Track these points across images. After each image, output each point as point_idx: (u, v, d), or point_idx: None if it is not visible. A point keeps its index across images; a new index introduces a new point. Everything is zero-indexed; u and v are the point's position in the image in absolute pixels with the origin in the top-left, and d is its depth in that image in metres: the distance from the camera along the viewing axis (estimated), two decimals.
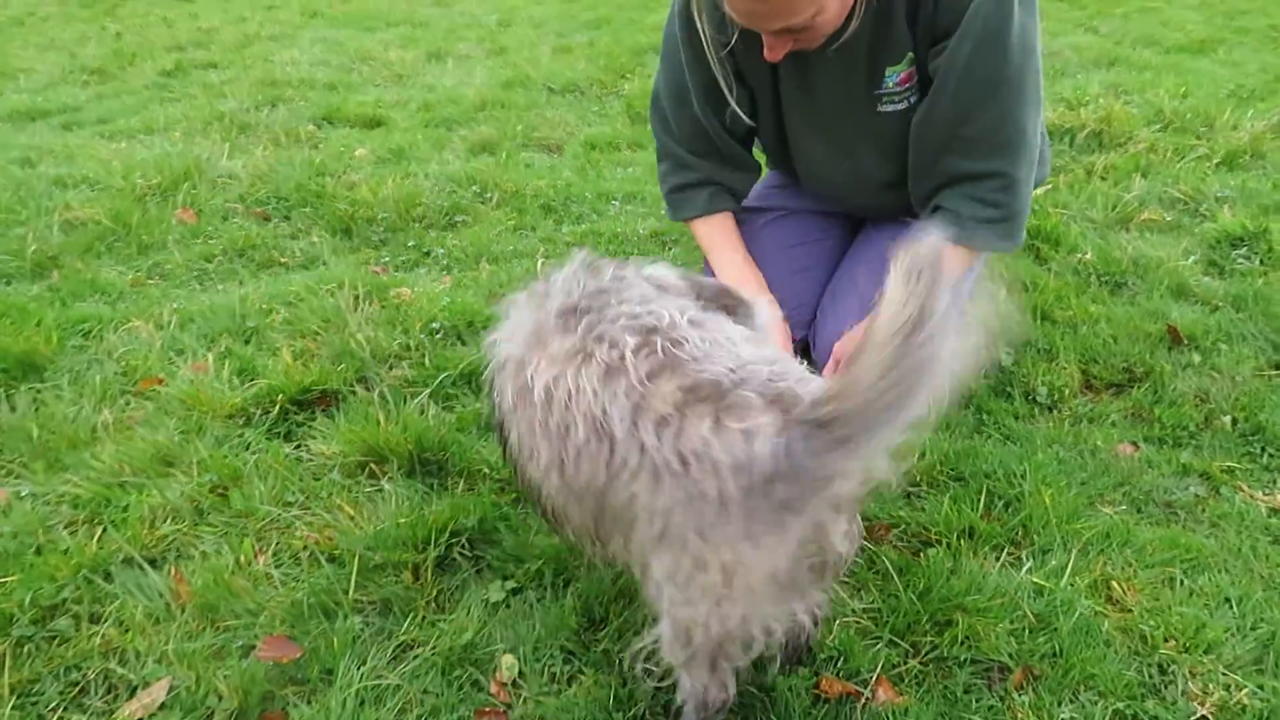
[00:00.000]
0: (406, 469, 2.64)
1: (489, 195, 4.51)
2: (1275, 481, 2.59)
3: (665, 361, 1.48)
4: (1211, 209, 4.07)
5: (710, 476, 1.38)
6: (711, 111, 2.64)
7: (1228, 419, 2.80)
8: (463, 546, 2.37)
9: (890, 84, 2.51)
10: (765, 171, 3.08)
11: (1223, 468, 2.63)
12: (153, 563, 2.34)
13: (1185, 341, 3.15)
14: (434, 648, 2.11)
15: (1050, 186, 4.33)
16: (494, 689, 2.03)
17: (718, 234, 2.77)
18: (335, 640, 2.10)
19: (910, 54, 2.46)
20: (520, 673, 2.06)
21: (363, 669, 2.04)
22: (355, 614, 2.20)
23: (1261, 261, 3.62)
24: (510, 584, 2.28)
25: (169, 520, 2.46)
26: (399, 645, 2.13)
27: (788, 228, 3.00)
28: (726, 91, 2.56)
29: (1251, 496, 2.53)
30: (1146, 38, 7.60)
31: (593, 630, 2.13)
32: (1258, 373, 3.00)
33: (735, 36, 2.45)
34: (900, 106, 2.55)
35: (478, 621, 2.18)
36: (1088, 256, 3.69)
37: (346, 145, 5.36)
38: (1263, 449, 2.70)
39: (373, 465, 2.64)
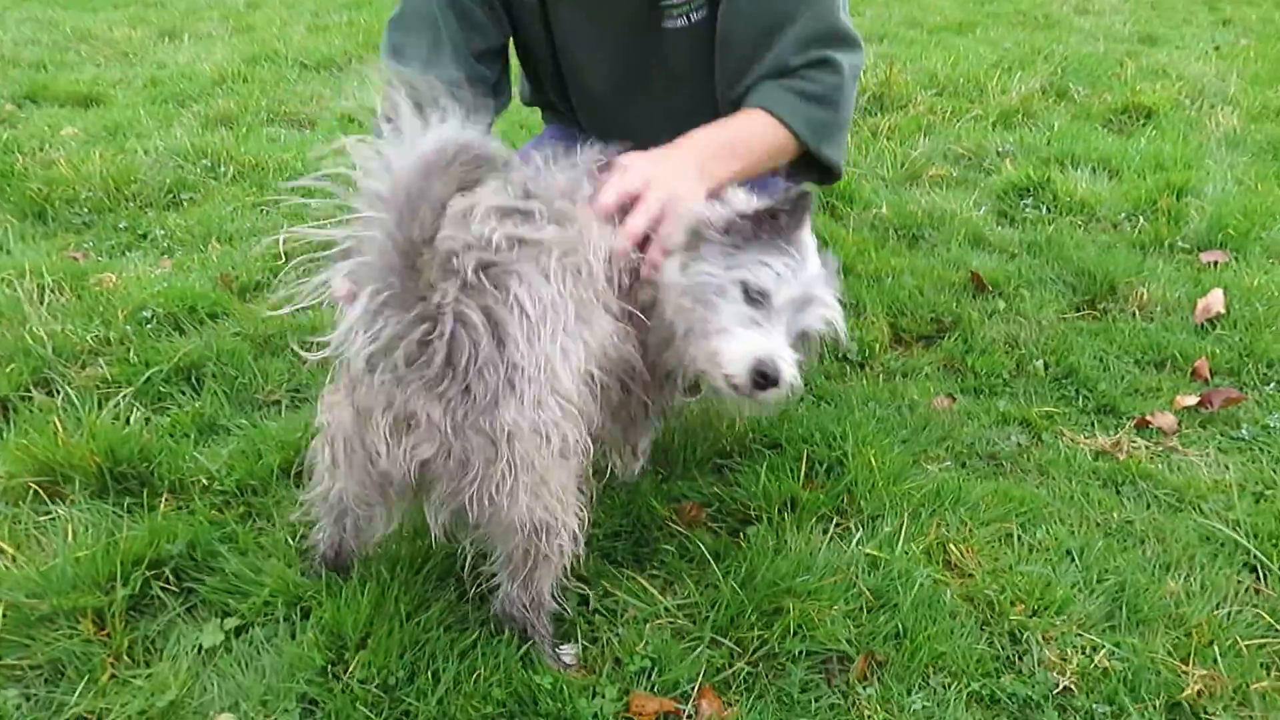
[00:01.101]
0: (95, 488, 2.05)
1: (223, 170, 3.87)
2: (1094, 424, 2.44)
3: None
4: (995, 163, 4.03)
5: None
6: (459, 28, 2.17)
7: (1039, 363, 2.64)
8: (167, 580, 1.83)
9: None
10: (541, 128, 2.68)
11: (1041, 413, 2.45)
12: None
13: (989, 288, 3.00)
14: (122, 716, 1.57)
15: None
16: None
17: None
18: None
19: None
20: None
21: None
22: (10, 685, 1.63)
23: (1048, 209, 3.57)
24: (232, 621, 1.77)
25: None
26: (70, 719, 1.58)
27: None
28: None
29: (1074, 441, 2.36)
30: (909, 20, 7.77)
31: (343, 664, 1.65)
32: (1061, 316, 2.89)
33: None
34: (681, 23, 2.21)
35: (186, 675, 1.66)
36: (883, 211, 3.53)
37: (52, 124, 4.54)
38: (1077, 392, 2.56)
39: (42, 487, 2.03)
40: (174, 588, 1.82)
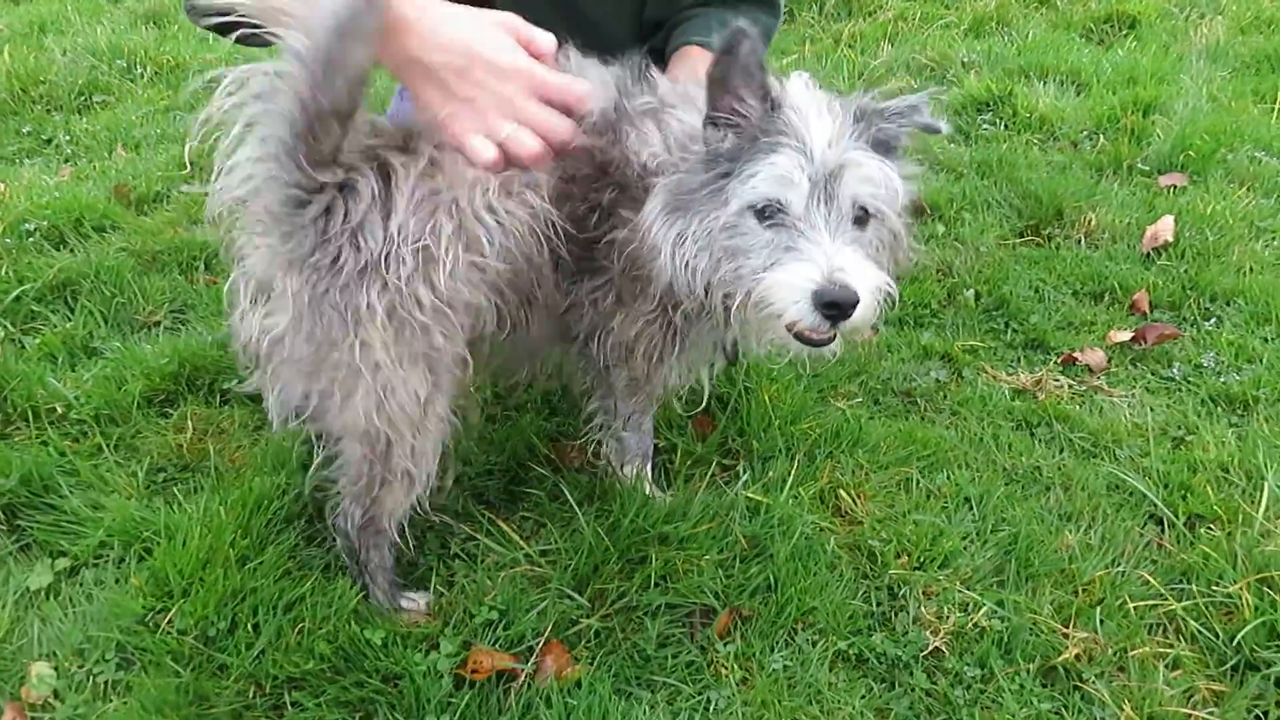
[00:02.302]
0: None
1: (139, 71, 3.66)
2: (1019, 360, 2.31)
3: None
4: (959, 75, 3.79)
5: None
6: None
7: (971, 293, 2.49)
8: None
9: None
10: None
11: (965, 347, 2.31)
12: None
13: (929, 212, 2.83)
14: None
15: (796, 55, 3.94)
16: (9, 717, 1.43)
17: None
18: None
19: None
20: (55, 690, 1.48)
21: None
22: None
23: (1006, 126, 3.37)
24: (63, 563, 1.67)
25: None
26: None
27: None
28: None
29: (995, 378, 2.23)
30: None
31: (164, 611, 1.55)
32: (1001, 242, 2.72)
33: None
34: None
35: (7, 621, 1.56)
36: None
37: None
38: (1006, 324, 2.41)
39: None
40: (4, 525, 1.72)
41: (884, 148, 1.40)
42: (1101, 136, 3.26)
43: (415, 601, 1.63)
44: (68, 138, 3.20)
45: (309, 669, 1.46)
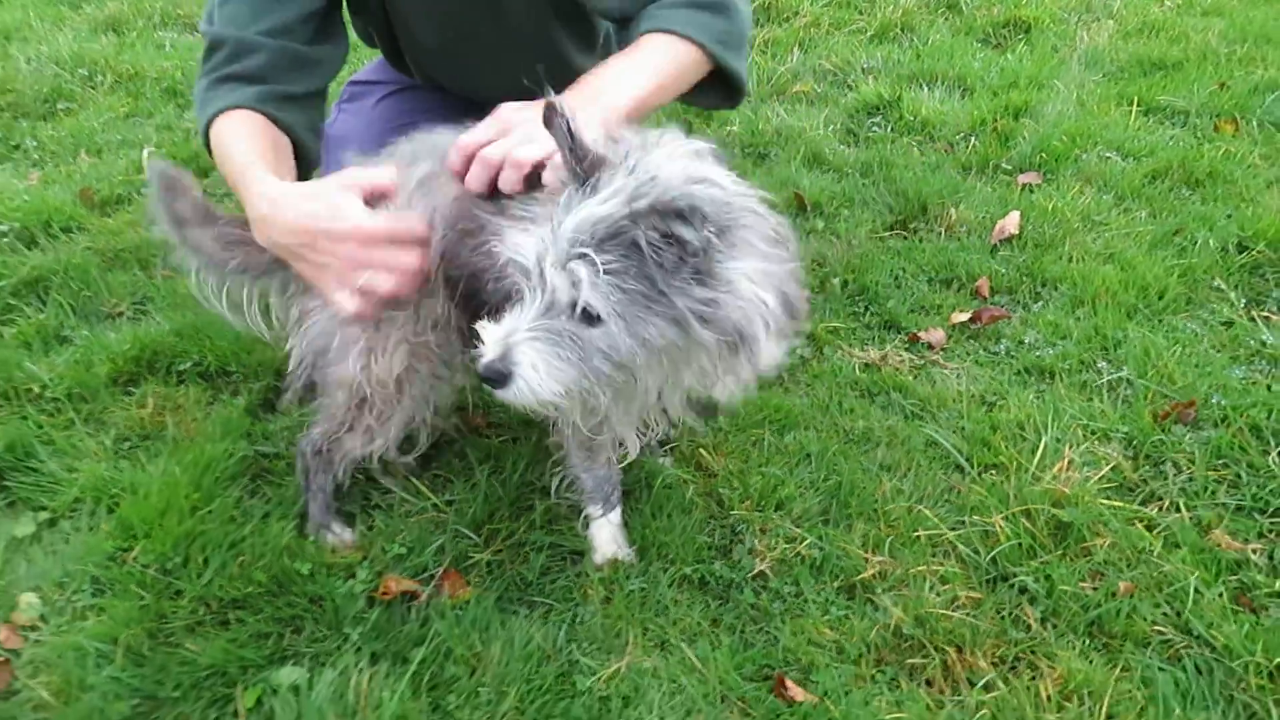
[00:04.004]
0: None
1: (100, 79, 3.95)
2: (873, 338, 2.67)
3: None
4: (857, 80, 4.15)
5: None
6: None
7: (838, 281, 2.86)
8: None
9: None
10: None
11: (828, 328, 2.68)
12: None
13: (810, 208, 3.19)
14: None
15: None
16: (3, 635, 1.77)
17: (251, 128, 1.90)
18: None
19: None
20: (41, 615, 1.81)
21: None
22: None
23: (892, 129, 3.73)
24: (44, 515, 2.00)
25: None
26: None
27: (404, 104, 2.73)
28: None
29: (849, 354, 2.60)
30: None
31: (129, 550, 1.89)
32: (873, 235, 3.09)
33: None
34: None
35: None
36: (735, 129, 3.68)
37: None
38: (866, 308, 2.78)
39: None
40: None
41: None
42: (975, 138, 3.63)
43: (343, 534, 1.98)
44: (34, 144, 3.49)
45: (249, 592, 1.81)
